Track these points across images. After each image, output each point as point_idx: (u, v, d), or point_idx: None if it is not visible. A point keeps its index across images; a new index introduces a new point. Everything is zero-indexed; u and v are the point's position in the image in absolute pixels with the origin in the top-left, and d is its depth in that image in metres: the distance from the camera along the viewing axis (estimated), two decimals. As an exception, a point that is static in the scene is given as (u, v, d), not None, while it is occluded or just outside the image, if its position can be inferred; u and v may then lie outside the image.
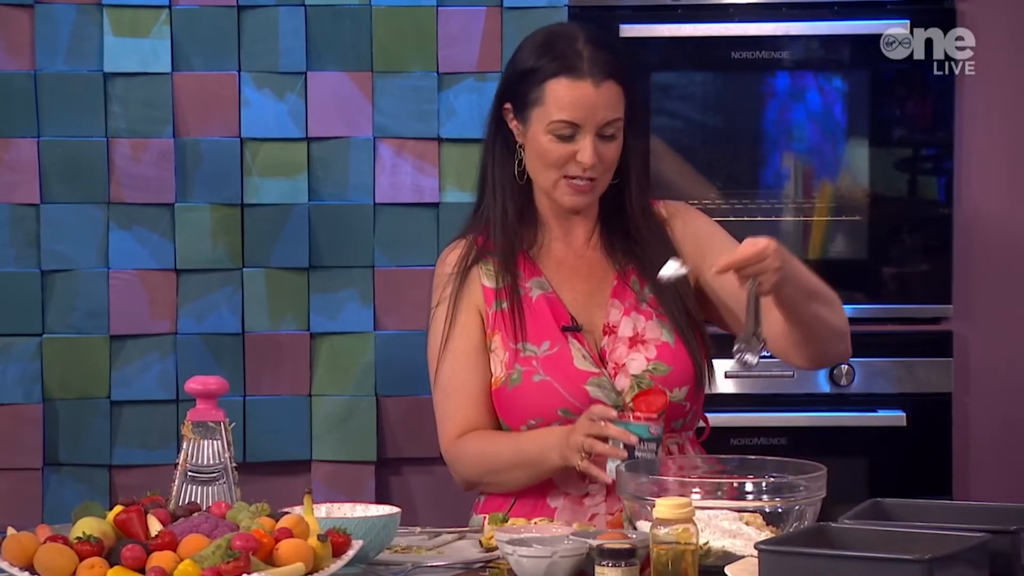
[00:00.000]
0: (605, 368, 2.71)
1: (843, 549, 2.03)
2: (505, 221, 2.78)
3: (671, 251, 2.76)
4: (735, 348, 2.46)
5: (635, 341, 2.72)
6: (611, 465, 2.49)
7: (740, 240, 2.81)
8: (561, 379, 2.69)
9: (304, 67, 3.61)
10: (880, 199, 3.69)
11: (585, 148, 2.67)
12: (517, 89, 2.73)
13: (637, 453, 2.43)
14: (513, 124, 2.75)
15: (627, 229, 2.78)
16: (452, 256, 2.83)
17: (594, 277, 2.79)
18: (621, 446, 2.49)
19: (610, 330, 2.74)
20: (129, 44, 3.58)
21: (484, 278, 2.79)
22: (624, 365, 2.70)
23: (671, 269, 2.46)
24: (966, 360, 3.70)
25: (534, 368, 2.71)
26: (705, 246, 2.79)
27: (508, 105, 2.75)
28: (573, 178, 2.70)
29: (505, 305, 2.76)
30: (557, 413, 2.69)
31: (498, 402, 2.75)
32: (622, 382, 2.69)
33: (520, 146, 2.75)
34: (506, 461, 2.70)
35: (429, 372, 2.82)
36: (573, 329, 2.73)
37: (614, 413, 2.53)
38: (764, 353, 2.47)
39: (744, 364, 2.45)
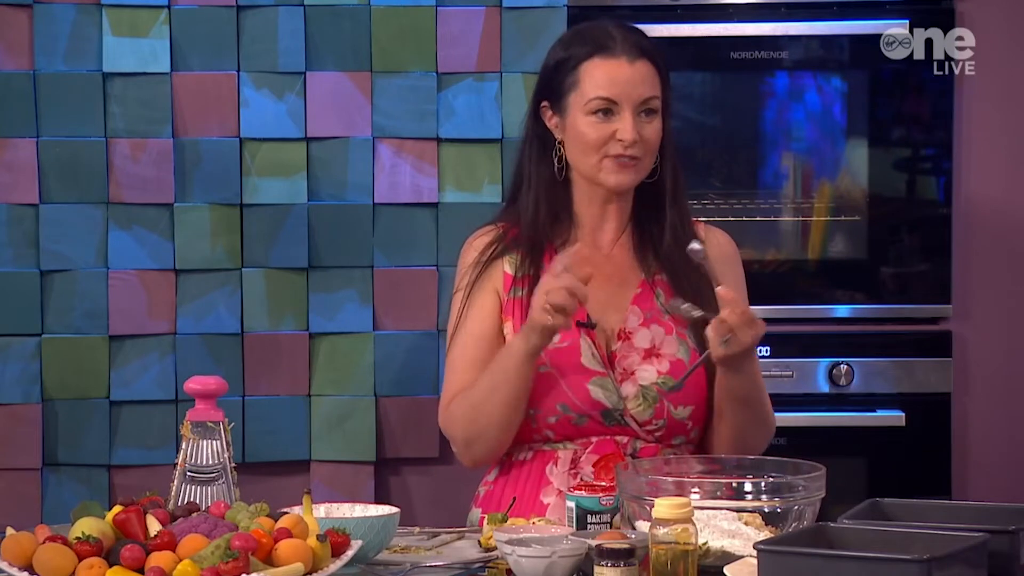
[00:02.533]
0: (612, 371, 2.71)
1: (842, 549, 2.03)
2: (536, 220, 2.78)
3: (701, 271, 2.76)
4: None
5: (650, 353, 2.72)
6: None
7: (749, 292, 2.84)
8: (566, 374, 2.69)
9: (303, 67, 3.61)
10: (879, 199, 3.69)
11: (625, 124, 2.67)
12: (551, 83, 2.74)
13: (589, 525, 2.41)
14: (552, 121, 2.76)
15: (662, 231, 2.77)
16: (480, 242, 2.83)
17: (616, 278, 2.79)
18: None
19: (625, 336, 2.73)
20: (128, 44, 3.58)
21: (507, 265, 2.79)
22: (634, 373, 2.70)
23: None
24: (965, 360, 3.70)
25: (541, 359, 2.70)
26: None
27: (545, 103, 2.76)
28: (616, 157, 2.70)
29: (522, 293, 2.76)
30: (556, 408, 2.69)
31: None
32: (628, 389, 2.69)
33: (559, 143, 2.75)
34: (484, 388, 2.69)
35: (445, 350, 2.83)
36: (587, 326, 2.73)
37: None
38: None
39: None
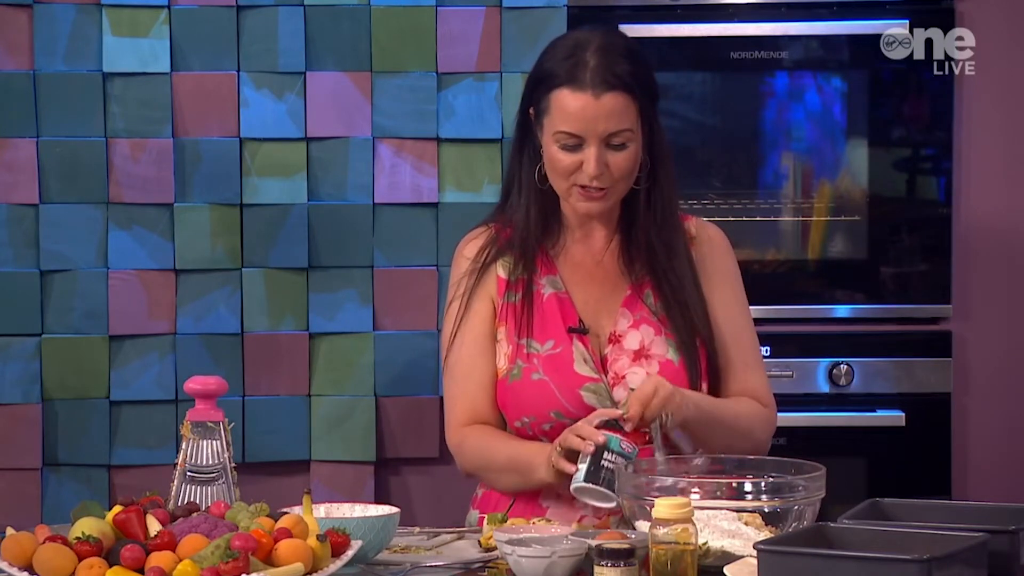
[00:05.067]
0: (605, 376, 2.71)
1: (842, 549, 2.03)
2: (527, 223, 2.77)
3: (691, 269, 2.75)
4: None
5: (640, 355, 2.71)
6: (581, 466, 2.48)
7: (749, 292, 2.83)
8: (559, 381, 2.69)
9: (303, 67, 3.61)
10: (879, 199, 3.69)
11: (589, 160, 2.65)
12: (534, 96, 2.72)
13: (604, 462, 2.43)
14: (537, 130, 2.74)
15: (650, 237, 2.76)
16: (471, 247, 2.83)
17: (608, 283, 2.78)
18: (592, 446, 2.49)
19: (615, 339, 2.73)
20: (128, 44, 3.58)
21: (500, 269, 2.79)
22: (624, 377, 2.70)
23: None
24: (965, 360, 3.70)
25: (534, 366, 2.71)
26: (714, 286, 2.78)
27: (532, 110, 2.75)
28: (584, 186, 2.69)
29: (515, 298, 2.76)
30: (550, 415, 2.69)
31: (498, 393, 2.75)
32: (620, 393, 2.69)
33: (542, 151, 2.75)
34: (500, 464, 2.71)
35: (441, 358, 2.82)
36: (579, 331, 2.73)
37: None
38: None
39: None
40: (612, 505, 2.48)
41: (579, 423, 2.55)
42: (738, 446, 2.68)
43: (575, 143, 2.66)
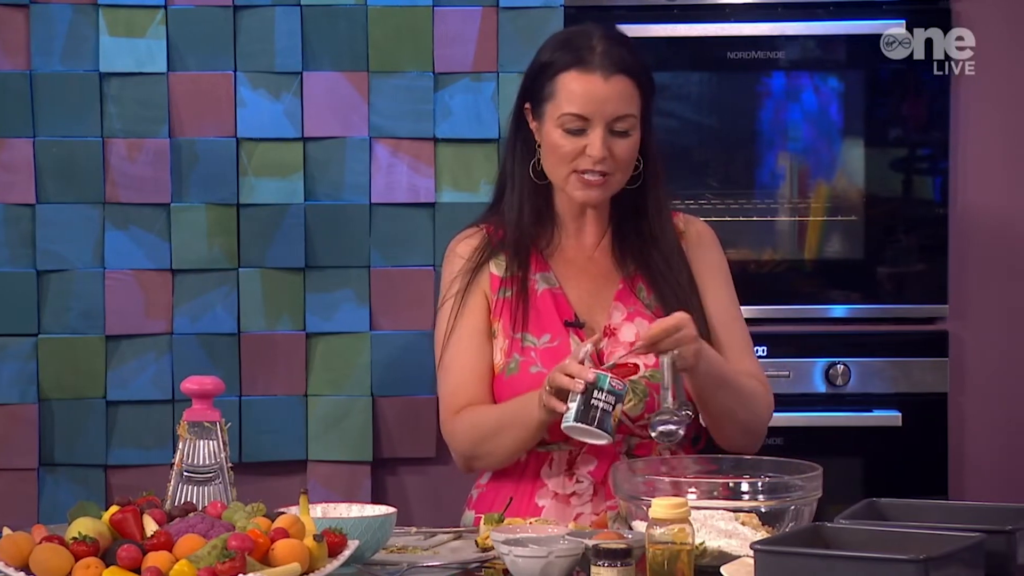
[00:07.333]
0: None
1: (839, 549, 2.03)
2: (520, 221, 2.78)
3: (684, 264, 2.76)
4: (654, 421, 2.52)
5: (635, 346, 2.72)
6: (571, 406, 2.46)
7: (738, 287, 2.83)
8: None
9: (300, 67, 3.61)
10: (876, 199, 3.69)
11: (594, 142, 2.66)
12: (533, 87, 2.73)
13: (594, 400, 2.43)
14: (533, 124, 2.75)
15: (641, 234, 2.78)
16: (464, 247, 2.83)
17: (600, 278, 2.79)
18: (581, 385, 2.47)
19: (610, 332, 2.74)
20: (125, 44, 3.58)
21: (493, 267, 2.80)
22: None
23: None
24: (962, 360, 3.70)
25: (532, 359, 2.71)
26: (704, 278, 2.79)
27: (527, 105, 2.75)
28: (584, 172, 2.69)
29: (510, 293, 2.76)
30: (549, 408, 2.69)
31: (495, 388, 2.75)
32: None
33: (538, 145, 2.75)
34: (493, 425, 2.70)
35: (435, 359, 2.81)
36: (575, 325, 2.73)
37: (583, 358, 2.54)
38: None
39: (666, 436, 2.52)
40: (605, 442, 2.48)
41: (566, 361, 2.52)
42: (740, 415, 2.68)
43: (580, 126, 2.67)
